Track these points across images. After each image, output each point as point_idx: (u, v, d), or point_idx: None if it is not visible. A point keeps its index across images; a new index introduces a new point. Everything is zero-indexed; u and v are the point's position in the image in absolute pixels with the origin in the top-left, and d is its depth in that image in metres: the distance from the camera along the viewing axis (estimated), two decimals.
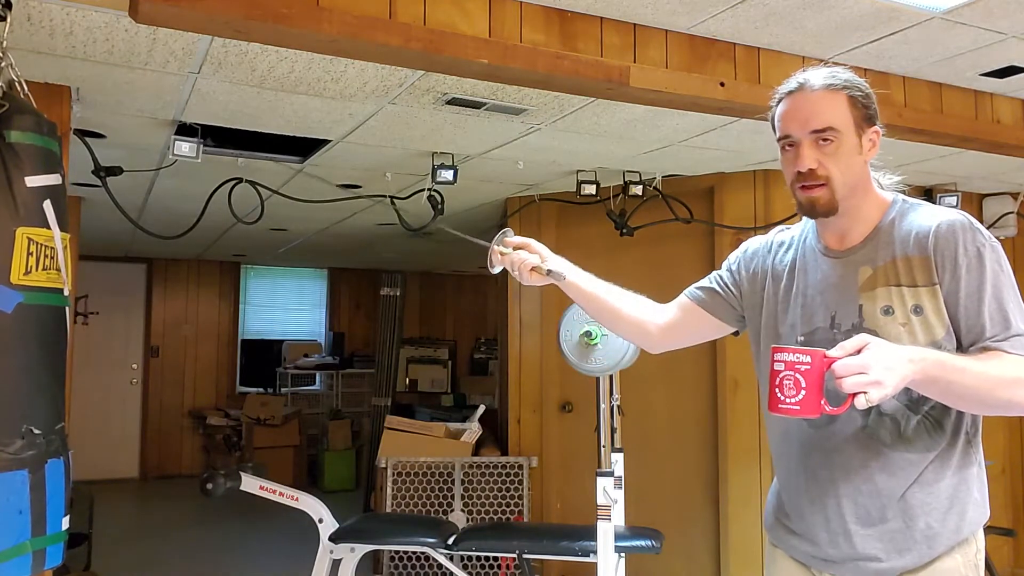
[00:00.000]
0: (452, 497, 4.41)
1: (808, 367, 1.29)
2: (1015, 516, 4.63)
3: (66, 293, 1.98)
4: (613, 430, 3.19)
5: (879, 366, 1.25)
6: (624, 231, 4.22)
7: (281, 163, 3.86)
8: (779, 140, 1.53)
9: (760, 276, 1.67)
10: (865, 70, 2.87)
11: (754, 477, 3.95)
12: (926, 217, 1.48)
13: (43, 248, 1.88)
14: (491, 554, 3.82)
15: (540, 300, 4.61)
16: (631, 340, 2.12)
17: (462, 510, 4.37)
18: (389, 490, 4.42)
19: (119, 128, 3.27)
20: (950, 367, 1.33)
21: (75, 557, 4.29)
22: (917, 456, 1.45)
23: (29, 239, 1.85)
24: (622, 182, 4.13)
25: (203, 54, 2.45)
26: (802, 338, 1.54)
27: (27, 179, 1.85)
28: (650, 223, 4.21)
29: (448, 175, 3.65)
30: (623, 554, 3.10)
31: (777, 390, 1.32)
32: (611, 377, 3.18)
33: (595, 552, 2.96)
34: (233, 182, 3.81)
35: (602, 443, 3.00)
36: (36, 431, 1.83)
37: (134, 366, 8.36)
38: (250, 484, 3.34)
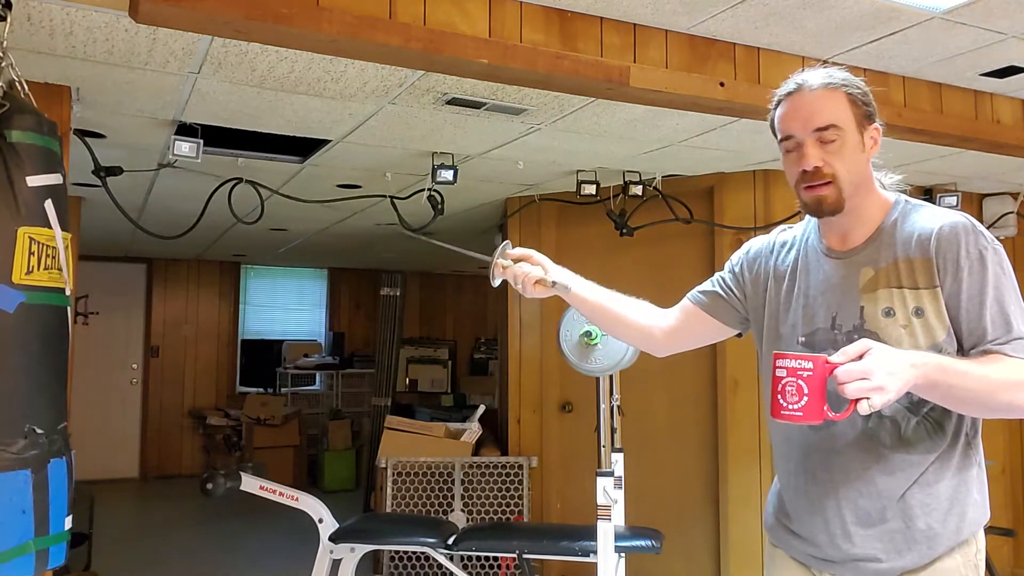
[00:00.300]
0: (452, 497, 4.41)
1: (810, 373, 1.28)
2: (1015, 516, 4.63)
3: (67, 293, 1.98)
4: (613, 430, 3.19)
5: (881, 371, 1.25)
6: (624, 231, 4.22)
7: (281, 163, 3.87)
8: (781, 142, 1.52)
9: (763, 277, 1.67)
10: (865, 70, 2.87)
11: (754, 477, 3.95)
12: (928, 218, 1.48)
13: (45, 248, 1.88)
14: (491, 554, 3.82)
15: (540, 300, 4.55)
16: (636, 346, 2.13)
17: (462, 510, 4.37)
18: (389, 490, 4.42)
19: (119, 128, 3.27)
20: (952, 371, 1.33)
21: (75, 557, 4.29)
22: (917, 457, 1.45)
23: (31, 239, 1.85)
24: (622, 182, 4.13)
25: (203, 54, 2.45)
26: (803, 339, 1.54)
27: (28, 179, 1.85)
28: (650, 223, 4.21)
29: (448, 175, 3.65)
30: (623, 554, 3.10)
31: (779, 396, 1.31)
32: (611, 377, 3.19)
33: (595, 552, 2.96)
34: (233, 182, 3.82)
35: (602, 443, 3.00)
36: (39, 431, 1.83)
37: (134, 366, 8.36)
38: (250, 484, 3.34)
